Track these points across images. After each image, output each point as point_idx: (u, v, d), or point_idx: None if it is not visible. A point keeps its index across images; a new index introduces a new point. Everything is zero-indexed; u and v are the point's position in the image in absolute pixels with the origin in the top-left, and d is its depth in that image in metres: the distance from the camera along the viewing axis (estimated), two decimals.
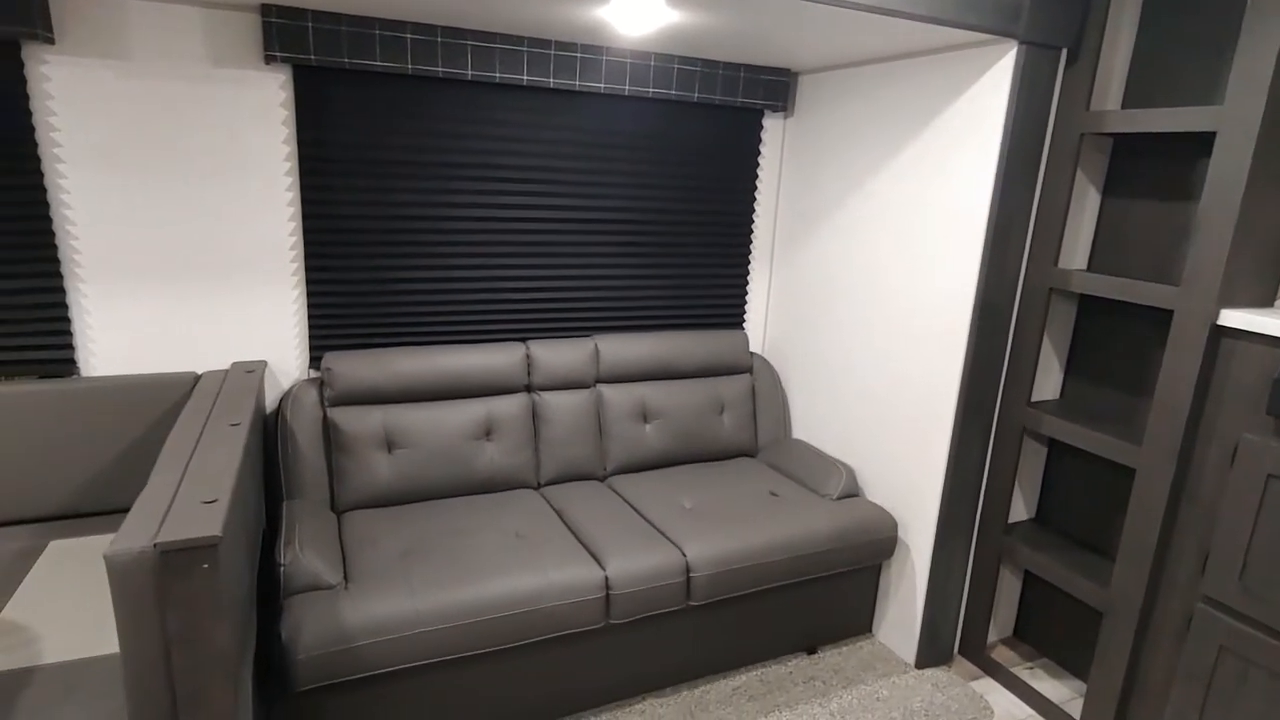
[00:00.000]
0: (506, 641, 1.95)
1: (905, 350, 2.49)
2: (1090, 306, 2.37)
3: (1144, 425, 2.18)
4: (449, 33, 2.35)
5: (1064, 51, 2.16)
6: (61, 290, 2.18)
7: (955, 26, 1.97)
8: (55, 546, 2.01)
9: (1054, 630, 2.56)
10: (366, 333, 2.53)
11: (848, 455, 2.77)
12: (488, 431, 2.50)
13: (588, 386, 2.71)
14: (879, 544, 2.48)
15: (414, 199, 2.49)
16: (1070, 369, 2.44)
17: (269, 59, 2.19)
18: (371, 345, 2.54)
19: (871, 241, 2.62)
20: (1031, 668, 2.53)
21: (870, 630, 2.69)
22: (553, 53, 2.50)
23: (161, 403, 2.23)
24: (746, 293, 3.16)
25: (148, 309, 2.29)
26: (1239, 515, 1.76)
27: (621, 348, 2.76)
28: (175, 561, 1.32)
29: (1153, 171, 2.16)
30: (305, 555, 1.90)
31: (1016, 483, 2.48)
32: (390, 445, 2.37)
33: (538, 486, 2.60)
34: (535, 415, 2.60)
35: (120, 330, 2.27)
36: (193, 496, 1.46)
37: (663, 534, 2.28)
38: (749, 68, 2.80)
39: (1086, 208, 2.28)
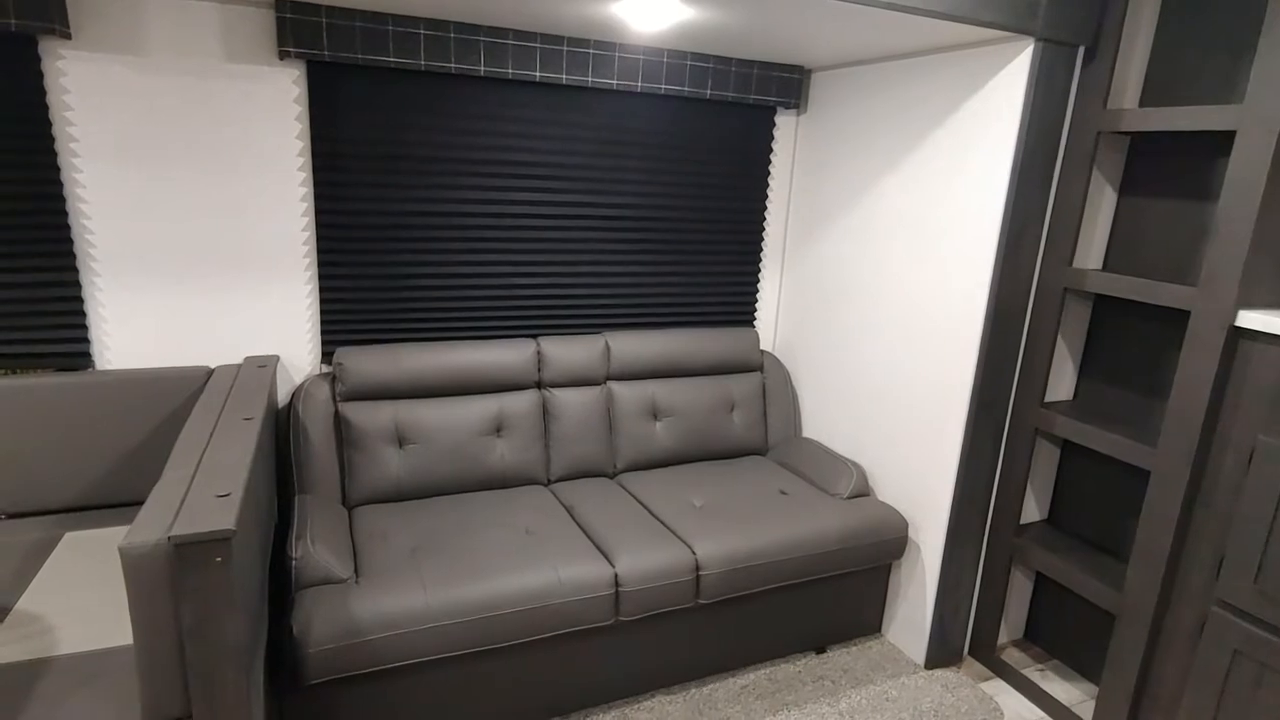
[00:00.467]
0: (516, 637, 1.95)
1: (917, 349, 2.47)
2: (1105, 307, 2.35)
3: (1159, 427, 2.16)
4: (461, 29, 2.36)
5: (1081, 49, 2.14)
6: (77, 284, 2.20)
7: (972, 24, 1.95)
8: (70, 538, 2.02)
9: (1065, 632, 2.55)
10: (378, 328, 2.53)
11: (858, 455, 2.76)
12: (498, 428, 2.51)
13: (598, 383, 2.71)
14: (889, 544, 2.47)
15: (426, 195, 2.50)
16: (1084, 370, 2.42)
17: (283, 54, 2.20)
18: (383, 340, 2.54)
19: (884, 239, 2.60)
20: (1042, 670, 2.51)
21: (880, 630, 2.68)
22: (565, 49, 2.50)
23: (175, 397, 2.24)
24: (757, 290, 3.15)
25: (161, 303, 2.31)
26: (1255, 519, 1.74)
27: (632, 345, 2.75)
28: (189, 554, 1.33)
29: (1170, 170, 2.14)
30: (316, 549, 1.91)
31: (1029, 484, 2.47)
32: (401, 440, 2.38)
33: (548, 483, 2.60)
34: (546, 412, 2.60)
35: (134, 324, 2.29)
36: (207, 490, 1.47)
37: (672, 532, 2.28)
38: (761, 64, 2.79)
39: (1102, 207, 2.26)
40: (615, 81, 2.59)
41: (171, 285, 2.31)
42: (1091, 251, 2.29)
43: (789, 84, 2.86)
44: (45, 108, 2.06)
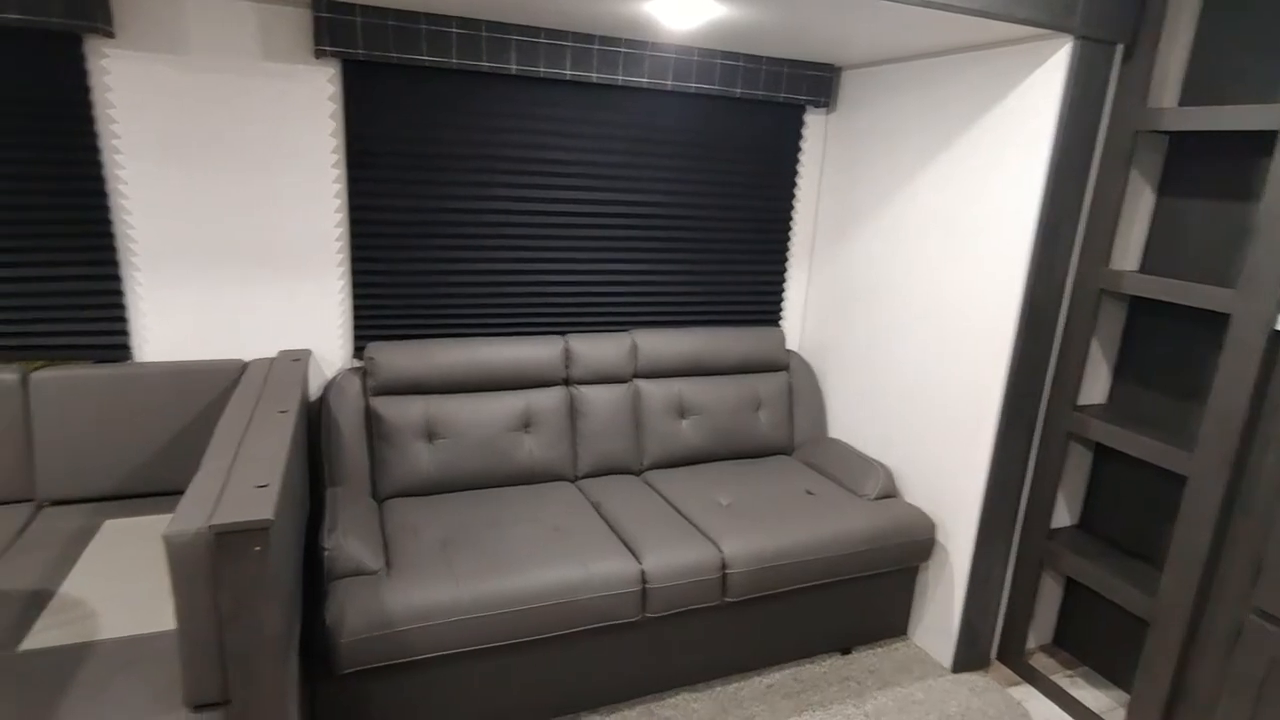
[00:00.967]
0: (544, 632, 1.97)
1: (947, 350, 2.45)
2: (1142, 308, 2.31)
3: (1196, 432, 2.12)
4: (493, 27, 2.37)
5: (1120, 47, 2.11)
6: (117, 278, 2.24)
7: (1009, 21, 1.93)
8: (110, 526, 2.07)
9: (1096, 638, 2.51)
10: (409, 323, 2.56)
11: (885, 456, 2.75)
12: (526, 424, 2.52)
13: (625, 381, 2.71)
14: (916, 546, 2.45)
15: (457, 192, 2.52)
16: (1119, 372, 2.39)
17: (319, 53, 2.23)
18: (414, 336, 2.57)
19: (915, 239, 2.58)
20: (1071, 676, 2.48)
21: (906, 632, 2.66)
22: (596, 47, 2.50)
23: (211, 389, 2.28)
24: (784, 290, 3.14)
25: (197, 297, 2.35)
26: None
27: (659, 343, 2.76)
28: (229, 543, 1.36)
29: (1210, 170, 2.10)
30: (348, 542, 1.94)
31: (1060, 487, 2.44)
32: (431, 435, 2.40)
33: (574, 479, 2.61)
34: (573, 409, 2.62)
35: (171, 317, 2.33)
36: (245, 481, 1.49)
37: (699, 530, 2.28)
38: (792, 63, 2.78)
39: (1140, 207, 2.23)
40: (646, 80, 2.60)
41: (207, 280, 2.35)
42: (1128, 252, 2.25)
43: (819, 82, 2.85)
44: (89, 105, 2.11)
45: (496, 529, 2.17)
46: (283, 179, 2.35)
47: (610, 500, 2.42)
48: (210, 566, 1.36)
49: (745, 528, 2.27)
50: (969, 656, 2.50)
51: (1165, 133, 2.12)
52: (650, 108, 2.70)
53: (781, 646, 2.41)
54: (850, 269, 2.91)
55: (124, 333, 2.29)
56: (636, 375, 2.75)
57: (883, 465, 2.64)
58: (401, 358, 2.40)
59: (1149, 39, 2.04)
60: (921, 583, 2.60)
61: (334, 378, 2.44)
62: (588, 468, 2.62)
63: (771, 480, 2.63)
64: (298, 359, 2.34)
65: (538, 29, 2.42)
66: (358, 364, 2.55)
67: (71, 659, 1.54)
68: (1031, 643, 2.61)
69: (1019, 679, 2.48)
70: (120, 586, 1.79)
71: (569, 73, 2.50)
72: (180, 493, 2.27)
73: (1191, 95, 2.11)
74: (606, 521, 2.32)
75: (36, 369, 2.16)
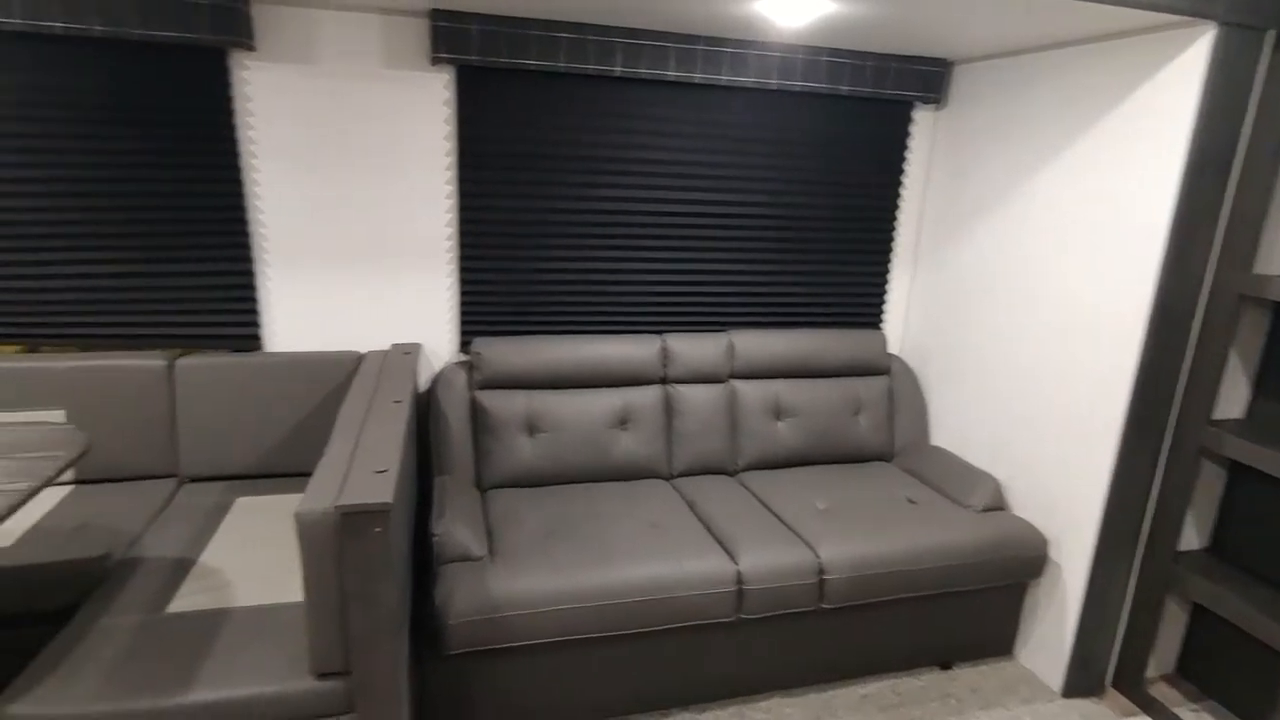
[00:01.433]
0: (639, 626, 1.99)
1: (1065, 356, 2.33)
2: None
3: None
4: (599, 30, 2.41)
5: (1271, 33, 1.94)
6: (251, 273, 2.42)
7: (1145, 8, 1.82)
8: (241, 503, 2.23)
9: (1225, 670, 2.33)
10: (513, 320, 2.64)
11: (993, 466, 2.63)
12: (624, 421, 2.56)
13: (721, 381, 2.71)
14: (1026, 562, 2.34)
15: (561, 192, 2.58)
16: (1261, 385, 2.20)
17: (435, 60, 2.33)
18: (517, 332, 2.65)
19: (1030, 239, 2.47)
20: (1196, 710, 2.31)
21: (1011, 652, 2.54)
22: (700, 48, 2.51)
23: (331, 379, 2.42)
24: (886, 291, 3.06)
25: (319, 291, 2.50)
26: None
27: (756, 344, 2.74)
28: (353, 523, 1.44)
29: None
30: (456, 528, 2.02)
31: (1189, 507, 2.27)
32: (532, 429, 2.47)
33: (669, 477, 2.63)
34: (669, 407, 2.63)
35: (296, 310, 2.50)
36: (366, 466, 1.58)
37: (796, 533, 2.25)
38: (901, 58, 2.70)
39: None
40: (750, 79, 2.58)
41: (328, 275, 2.50)
42: (1275, 255, 2.08)
43: (930, 78, 2.76)
44: (231, 113, 2.28)
45: (594, 523, 2.21)
46: (399, 180, 2.47)
47: (705, 499, 2.42)
48: (336, 544, 1.45)
49: (843, 533, 2.23)
50: (1081, 681, 2.36)
51: None
52: (753, 107, 2.68)
53: (879, 657, 2.35)
54: (958, 270, 2.80)
55: (255, 324, 2.46)
56: (733, 375, 2.74)
57: (990, 476, 2.54)
58: (506, 353, 2.48)
59: None
60: (1031, 600, 2.48)
61: (441, 371, 2.55)
62: (683, 466, 2.63)
63: (870, 486, 2.57)
64: (409, 352, 2.45)
65: (643, 31, 2.45)
66: (464, 358, 2.65)
67: (211, 623, 1.67)
68: (1152, 671, 2.44)
69: (1136, 709, 2.33)
70: (251, 559, 1.93)
71: (672, 73, 2.52)
72: (303, 474, 2.42)
73: None
74: (702, 520, 2.32)
75: (181, 356, 2.35)
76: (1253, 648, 2.25)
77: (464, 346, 2.65)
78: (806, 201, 2.84)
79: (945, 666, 2.45)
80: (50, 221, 2.23)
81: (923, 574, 2.22)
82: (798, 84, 2.64)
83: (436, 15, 2.29)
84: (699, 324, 2.84)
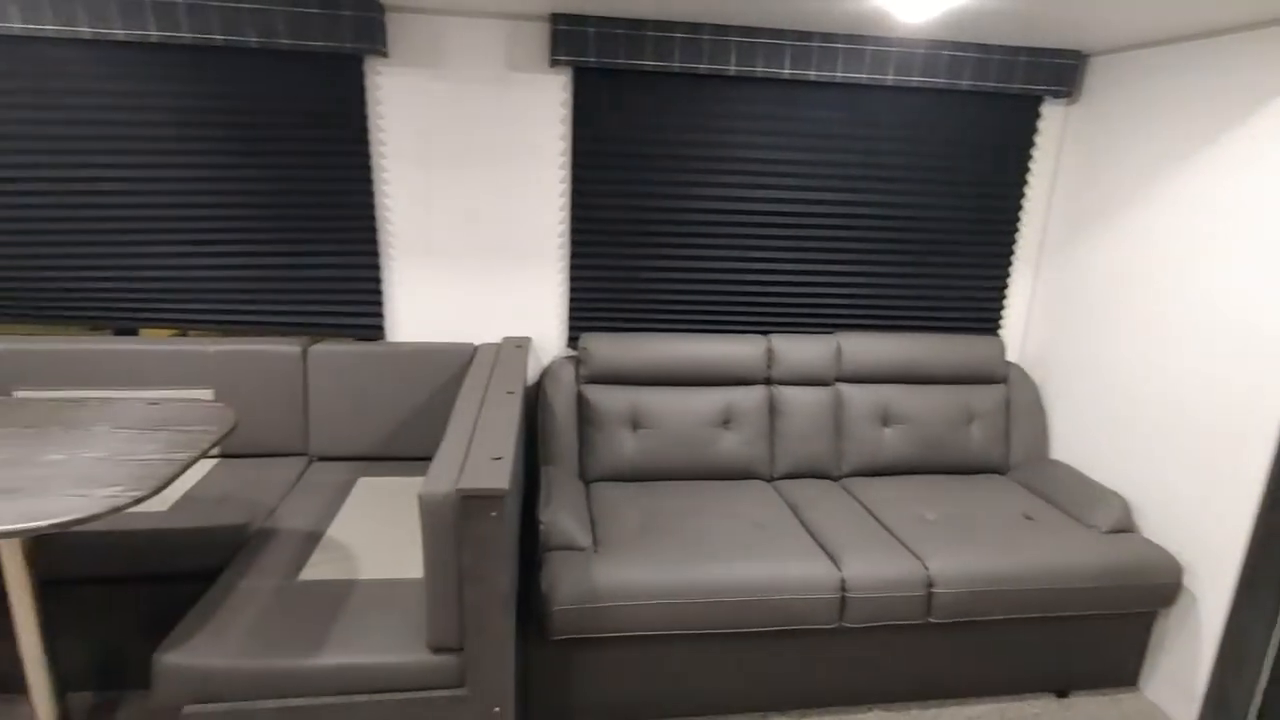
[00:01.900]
0: (739, 626, 1.99)
1: (1206, 368, 2.15)
2: None
3: None
4: (715, 30, 2.42)
5: None
6: (377, 267, 2.56)
7: None
8: (363, 482, 2.37)
9: None
10: (620, 316, 2.69)
11: (1121, 484, 2.46)
12: (726, 420, 2.55)
13: (827, 384, 2.66)
14: (1156, 589, 2.18)
15: (670, 191, 2.60)
16: None
17: (554, 62, 2.39)
18: (624, 329, 2.70)
19: (1170, 242, 2.29)
20: None
21: (1135, 684, 2.37)
22: (816, 45, 2.47)
23: (447, 369, 2.54)
24: (1005, 297, 2.92)
25: (437, 285, 2.62)
26: None
27: (865, 347, 2.67)
28: (471, 506, 1.51)
29: None
30: (562, 517, 2.07)
31: None
32: (636, 424, 2.51)
33: (770, 479, 2.60)
34: (773, 408, 2.61)
35: (415, 303, 2.63)
36: (482, 453, 1.65)
37: (902, 543, 2.18)
38: (1031, 50, 2.57)
39: None
40: (865, 75, 2.52)
41: (446, 269, 2.61)
42: None
43: (1062, 71, 2.61)
44: (364, 116, 2.43)
45: (696, 519, 2.22)
46: (515, 179, 2.56)
47: (808, 503, 2.38)
48: (455, 525, 1.52)
49: (954, 546, 2.14)
50: None
51: None
52: (868, 104, 2.62)
53: (988, 678, 2.25)
54: (1088, 275, 2.64)
55: (380, 315, 2.61)
56: (840, 379, 2.68)
57: (1118, 495, 2.38)
58: (612, 349, 2.53)
59: None
60: (1160, 631, 2.31)
61: (550, 364, 2.62)
62: (785, 469, 2.60)
63: (983, 499, 2.46)
64: (520, 345, 2.53)
65: (757, 29, 2.43)
66: (572, 353, 2.72)
67: (338, 592, 1.79)
68: None
69: None
70: (372, 534, 2.05)
71: (787, 71, 2.49)
72: (418, 458, 2.55)
73: None
74: (804, 524, 2.29)
75: (313, 343, 2.52)
76: None
77: (572, 341, 2.71)
78: (921, 201, 2.75)
79: (1061, 694, 2.32)
80: (199, 217, 2.44)
81: (1040, 594, 2.11)
82: (915, 79, 2.56)
83: (557, 19, 2.35)
84: (805, 325, 2.79)
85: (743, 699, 2.12)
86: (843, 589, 2.02)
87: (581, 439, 2.53)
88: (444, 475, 1.56)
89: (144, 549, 1.96)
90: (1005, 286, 2.90)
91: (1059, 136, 2.79)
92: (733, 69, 2.46)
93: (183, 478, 2.32)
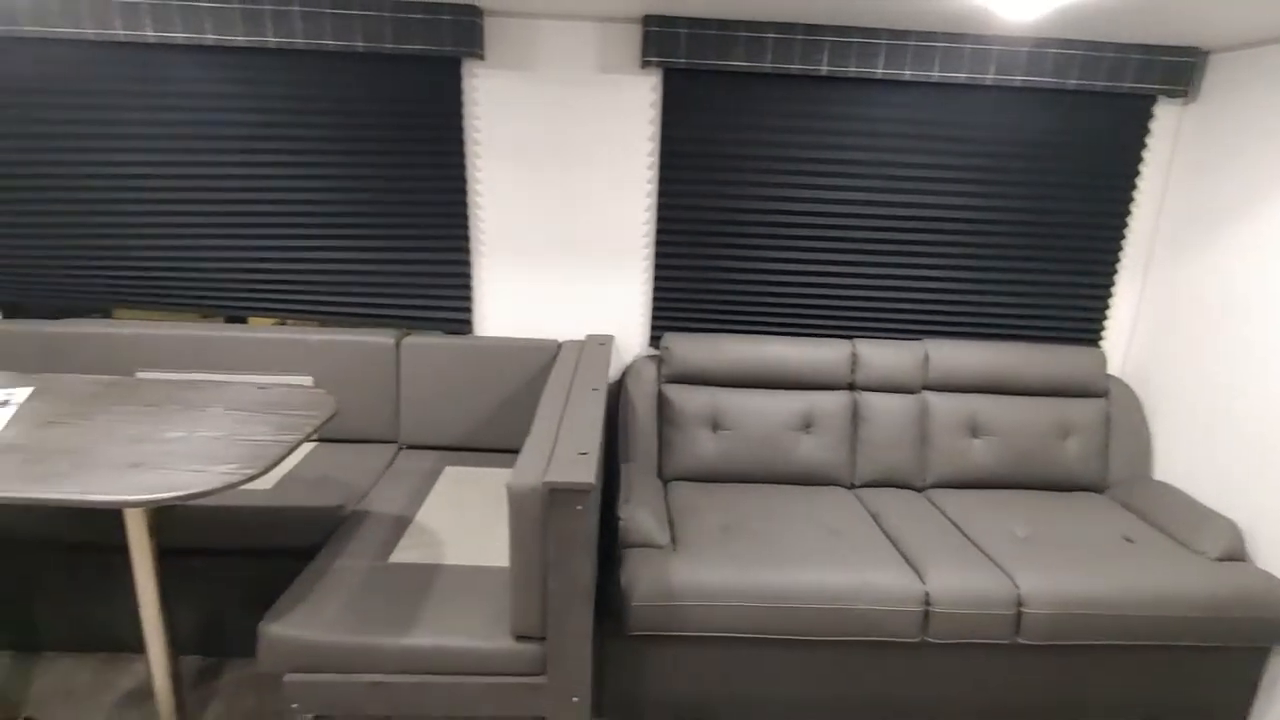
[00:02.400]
0: (817, 633, 1.96)
1: None
2: None
3: None
4: (808, 30, 2.39)
5: None
6: (468, 263, 2.64)
7: None
8: (449, 471, 2.45)
9: None
10: (703, 317, 2.69)
11: (1232, 509, 2.31)
12: (807, 424, 2.52)
13: (913, 392, 2.59)
14: (1269, 623, 2.04)
15: (756, 192, 2.59)
16: None
17: (645, 63, 2.42)
18: (706, 329, 2.70)
19: None
20: None
21: None
22: (912, 44, 2.41)
23: (531, 364, 2.60)
24: (1108, 306, 2.77)
25: (523, 282, 2.69)
26: None
27: (954, 355, 2.59)
28: (558, 498, 1.54)
29: None
30: (640, 514, 2.09)
31: None
32: (715, 425, 2.50)
33: (851, 487, 2.56)
34: (855, 414, 2.56)
35: (502, 298, 2.70)
36: (569, 447, 1.68)
37: (990, 559, 2.11)
38: (1145, 47, 2.44)
39: None
40: (964, 75, 2.45)
41: (532, 266, 2.67)
42: None
43: (1178, 69, 2.47)
44: (460, 116, 2.51)
45: (774, 523, 2.20)
46: (603, 179, 2.59)
47: (890, 513, 2.33)
48: (542, 516, 1.56)
49: (1046, 565, 2.06)
50: None
51: None
52: (965, 104, 2.54)
53: (1079, 705, 2.14)
54: (1200, 284, 2.48)
55: (468, 310, 2.69)
56: (926, 387, 2.61)
57: (1228, 519, 2.23)
58: (694, 349, 2.53)
59: None
60: (1273, 669, 2.15)
61: (632, 363, 2.64)
62: (866, 477, 2.55)
63: (1079, 518, 2.35)
64: (602, 343, 2.57)
65: (851, 29, 2.39)
66: (653, 352, 2.74)
67: (426, 576, 1.85)
68: None
69: None
70: (458, 522, 2.12)
71: (880, 71, 2.44)
72: (501, 450, 2.62)
73: None
74: (886, 533, 2.24)
75: (406, 336, 2.62)
76: None
77: (654, 340, 2.73)
78: (1019, 205, 2.64)
79: None
80: (303, 213, 2.57)
81: (1139, 622, 2.00)
82: (1018, 79, 2.46)
83: (649, 20, 2.37)
84: (892, 331, 2.73)
85: (817, 707, 2.09)
86: (926, 602, 1.96)
87: (660, 438, 2.54)
88: (532, 468, 1.59)
89: (249, 524, 2.08)
90: (1109, 295, 2.76)
91: (1173, 139, 2.63)
92: (824, 69, 2.43)
93: (286, 460, 2.44)
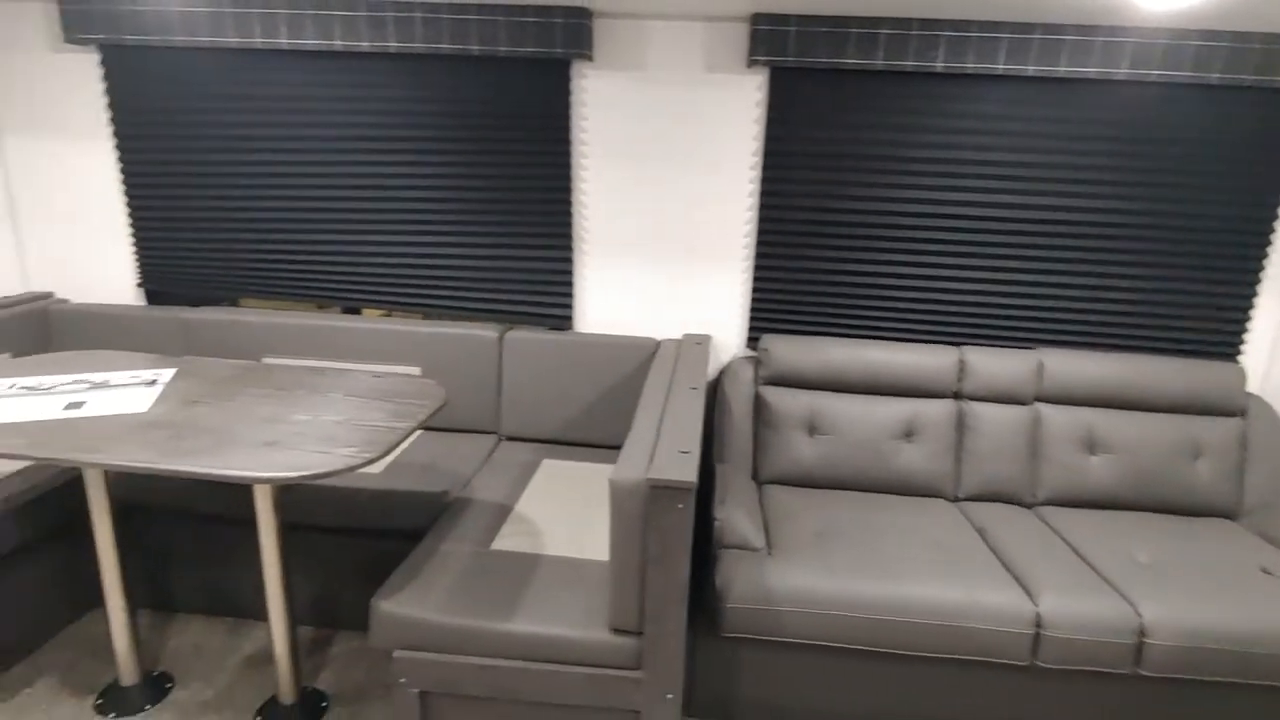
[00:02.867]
0: (916, 649, 1.90)
1: None
2: None
3: None
4: (924, 24, 2.32)
5: None
6: (570, 260, 2.70)
7: None
8: (547, 464, 2.51)
9: None
10: (802, 319, 2.65)
11: None
12: (909, 433, 2.45)
13: (1024, 403, 2.47)
14: None
15: (861, 193, 2.53)
16: None
17: (751, 63, 2.40)
18: (806, 332, 2.66)
19: None
20: None
21: None
22: (1037, 37, 2.30)
23: (629, 361, 2.62)
24: (1249, 317, 2.56)
25: (623, 280, 2.72)
26: None
27: (1071, 365, 2.45)
28: (660, 496, 1.56)
29: None
30: (736, 515, 2.08)
31: None
32: (812, 429, 2.46)
33: (954, 499, 2.46)
34: (961, 424, 2.46)
35: (602, 296, 2.74)
36: (670, 445, 1.69)
37: (1109, 583, 1.99)
38: None
39: None
40: (1093, 70, 2.32)
41: (632, 265, 2.70)
42: None
43: None
44: (568, 116, 2.56)
45: (873, 532, 2.14)
46: (706, 179, 2.59)
47: (997, 528, 2.23)
48: (643, 512, 1.57)
49: (1173, 594, 1.92)
50: None
51: None
52: (1091, 100, 2.40)
53: None
54: None
55: (569, 306, 2.74)
56: (1039, 398, 2.48)
57: None
58: (793, 351, 2.50)
59: None
60: None
61: (729, 363, 2.63)
62: (971, 490, 2.45)
63: (1210, 546, 2.18)
64: (700, 343, 2.57)
65: (970, 22, 2.30)
66: (751, 353, 2.72)
67: (526, 564, 1.90)
68: None
69: None
70: (556, 513, 2.17)
71: (1001, 67, 2.34)
72: (598, 445, 2.66)
73: None
74: (993, 550, 2.14)
75: (509, 330, 2.70)
76: None
77: (752, 342, 2.71)
78: (1148, 207, 2.48)
79: None
80: (413, 210, 2.68)
81: (1275, 661, 1.84)
82: (1154, 73, 2.31)
83: (757, 19, 2.35)
84: (1003, 338, 2.61)
85: None
86: (1038, 625, 1.87)
87: (756, 440, 2.52)
88: (634, 464, 1.61)
89: (364, 505, 2.20)
90: (1250, 307, 2.55)
91: None
92: (940, 65, 2.35)
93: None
